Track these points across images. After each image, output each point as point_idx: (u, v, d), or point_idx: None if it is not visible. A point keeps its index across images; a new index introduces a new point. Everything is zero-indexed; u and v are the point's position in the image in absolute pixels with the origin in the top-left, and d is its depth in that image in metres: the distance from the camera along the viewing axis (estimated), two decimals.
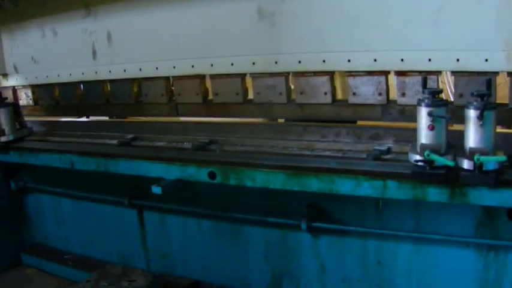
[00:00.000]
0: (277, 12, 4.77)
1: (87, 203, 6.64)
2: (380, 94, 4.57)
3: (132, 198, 5.93)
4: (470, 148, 3.51)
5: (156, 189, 4.61)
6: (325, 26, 4.59)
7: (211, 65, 5.30)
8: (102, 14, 5.88)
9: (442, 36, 4.09)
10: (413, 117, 3.81)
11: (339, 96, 5.01)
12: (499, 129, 4.02)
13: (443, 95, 3.98)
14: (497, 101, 4.06)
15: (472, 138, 3.51)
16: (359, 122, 4.99)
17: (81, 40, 6.11)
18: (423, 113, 3.62)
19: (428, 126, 3.60)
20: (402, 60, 4.31)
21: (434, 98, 3.63)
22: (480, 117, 3.40)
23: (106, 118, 6.93)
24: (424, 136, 3.66)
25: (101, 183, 6.19)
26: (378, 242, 4.77)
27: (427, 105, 3.59)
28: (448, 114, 3.61)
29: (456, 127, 4.00)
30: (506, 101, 4.15)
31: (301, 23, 4.69)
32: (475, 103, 3.45)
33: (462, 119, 3.58)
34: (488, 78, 3.55)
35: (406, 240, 4.60)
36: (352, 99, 4.70)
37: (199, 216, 5.73)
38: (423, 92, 3.70)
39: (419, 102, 3.65)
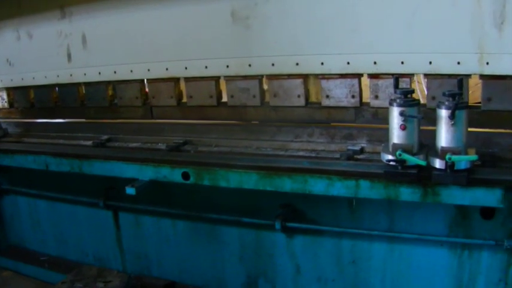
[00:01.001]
0: (251, 15, 4.81)
1: (62, 205, 6.61)
2: (353, 97, 4.62)
3: (107, 199, 5.91)
4: (442, 147, 3.55)
5: (130, 190, 4.59)
6: (298, 29, 4.65)
7: (186, 68, 5.34)
8: (77, 16, 5.88)
9: (416, 39, 4.16)
10: (387, 120, 3.84)
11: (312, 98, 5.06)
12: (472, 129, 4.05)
13: (419, 95, 4.01)
14: (473, 102, 4.12)
15: (444, 137, 3.54)
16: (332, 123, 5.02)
17: (56, 43, 6.12)
18: (395, 112, 3.65)
19: (400, 126, 3.63)
20: (375, 63, 4.38)
21: (406, 98, 3.66)
22: (451, 117, 3.44)
23: (82, 119, 6.89)
24: (396, 136, 3.69)
25: (76, 185, 6.17)
26: (352, 242, 4.79)
27: (399, 105, 3.63)
28: (420, 113, 3.65)
29: (429, 127, 4.03)
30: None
31: (274, 27, 4.75)
32: (446, 103, 3.49)
33: (435, 122, 3.62)
34: (460, 78, 3.57)
35: (380, 240, 4.64)
36: (326, 102, 4.75)
37: (174, 217, 5.72)
38: (395, 92, 3.73)
39: (391, 102, 3.69)
